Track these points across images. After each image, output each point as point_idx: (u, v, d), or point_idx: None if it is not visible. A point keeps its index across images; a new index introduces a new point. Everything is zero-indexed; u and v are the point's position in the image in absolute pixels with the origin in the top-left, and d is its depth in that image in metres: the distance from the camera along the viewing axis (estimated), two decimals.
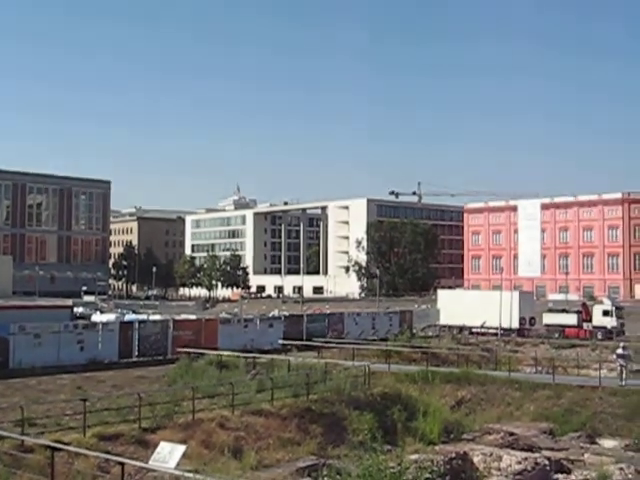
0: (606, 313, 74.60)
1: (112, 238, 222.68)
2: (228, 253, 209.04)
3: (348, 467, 21.01)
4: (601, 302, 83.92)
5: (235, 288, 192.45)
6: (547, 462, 27.70)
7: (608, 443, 34.91)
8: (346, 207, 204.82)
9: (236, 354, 46.43)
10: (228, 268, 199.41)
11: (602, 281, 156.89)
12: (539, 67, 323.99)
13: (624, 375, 43.14)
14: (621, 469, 26.47)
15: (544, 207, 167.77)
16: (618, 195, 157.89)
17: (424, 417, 33.89)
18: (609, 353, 53.17)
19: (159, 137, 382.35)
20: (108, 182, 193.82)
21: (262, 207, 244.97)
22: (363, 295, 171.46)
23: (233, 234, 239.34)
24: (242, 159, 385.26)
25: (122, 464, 17.81)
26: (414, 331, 72.88)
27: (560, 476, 27.20)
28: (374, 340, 65.08)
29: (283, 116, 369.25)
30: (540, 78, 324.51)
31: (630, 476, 26.15)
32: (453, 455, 27.08)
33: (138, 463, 19.73)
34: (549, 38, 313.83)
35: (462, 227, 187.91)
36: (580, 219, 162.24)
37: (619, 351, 44.81)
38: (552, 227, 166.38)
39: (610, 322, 73.44)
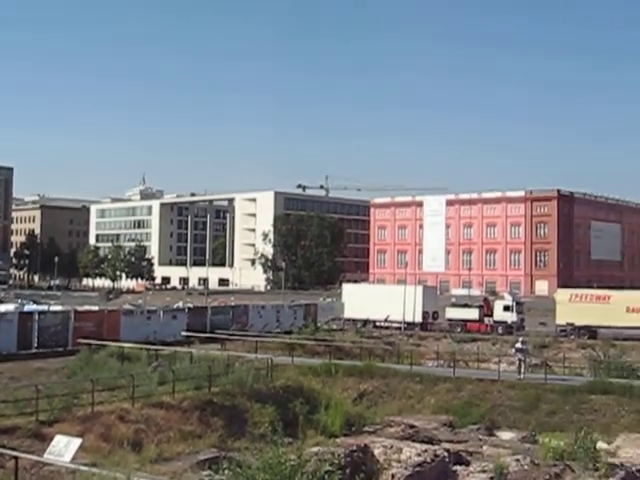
0: (507, 308, 75.97)
1: (14, 226, 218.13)
2: (133, 244, 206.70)
3: (248, 460, 20.96)
4: (502, 297, 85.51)
5: (140, 279, 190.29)
6: (446, 454, 28.02)
7: (506, 435, 35.56)
8: (253, 199, 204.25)
9: (138, 346, 45.94)
10: (133, 259, 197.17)
11: (504, 277, 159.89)
12: (440, 62, 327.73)
13: (522, 369, 44.00)
14: (517, 460, 26.94)
15: (449, 203, 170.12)
16: (521, 193, 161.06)
17: (326, 410, 33.96)
18: (509, 347, 54.16)
19: (64, 126, 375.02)
20: (10, 169, 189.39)
21: (169, 198, 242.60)
22: (269, 288, 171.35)
23: (139, 224, 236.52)
24: (149, 150, 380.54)
25: (16, 458, 17.44)
26: (318, 324, 73.02)
27: (459, 468, 27.55)
28: (278, 333, 65.13)
29: (187, 112, 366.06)
30: (442, 73, 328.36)
31: (526, 467, 26.61)
32: (354, 447, 27.18)
33: (32, 457, 19.33)
34: (445, 34, 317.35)
35: (368, 221, 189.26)
36: (484, 216, 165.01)
37: (518, 345, 45.66)
38: (456, 223, 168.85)
39: (510, 317, 74.82)
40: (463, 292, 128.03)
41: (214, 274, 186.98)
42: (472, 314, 77.50)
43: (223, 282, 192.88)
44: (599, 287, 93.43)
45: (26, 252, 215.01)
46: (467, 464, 28.06)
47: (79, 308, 69.96)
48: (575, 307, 71.03)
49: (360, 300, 78.82)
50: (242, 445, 27.43)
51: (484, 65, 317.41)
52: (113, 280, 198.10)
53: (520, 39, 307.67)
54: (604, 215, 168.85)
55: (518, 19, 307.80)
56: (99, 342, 47.45)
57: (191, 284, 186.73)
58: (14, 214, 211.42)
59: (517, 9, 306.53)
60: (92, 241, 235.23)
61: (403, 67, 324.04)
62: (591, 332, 69.17)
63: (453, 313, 78.97)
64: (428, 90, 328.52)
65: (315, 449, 24.65)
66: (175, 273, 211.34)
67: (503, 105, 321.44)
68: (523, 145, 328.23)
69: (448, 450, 28.58)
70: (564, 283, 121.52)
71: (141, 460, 23.94)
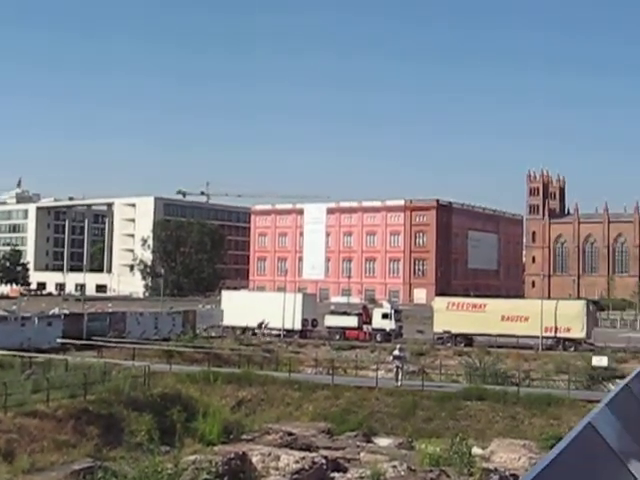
0: (385, 316, 76.65)
1: None
2: (8, 248, 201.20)
3: (124, 469, 20.59)
4: (381, 305, 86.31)
5: (14, 284, 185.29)
6: (324, 461, 28.14)
7: (383, 441, 35.90)
8: (133, 205, 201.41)
9: (12, 353, 44.63)
10: (7, 264, 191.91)
11: (383, 285, 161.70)
12: (316, 71, 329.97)
13: (400, 376, 44.46)
14: (394, 466, 27.22)
15: (330, 211, 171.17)
16: (401, 202, 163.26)
17: (204, 418, 33.69)
18: (387, 355, 54.69)
19: None
20: None
21: (46, 202, 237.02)
22: (147, 294, 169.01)
23: (14, 228, 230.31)
24: (26, 153, 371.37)
25: None
26: (197, 331, 72.45)
27: (337, 474, 27.67)
28: (156, 340, 64.26)
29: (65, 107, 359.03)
30: (321, 83, 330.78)
31: (403, 473, 26.91)
32: (232, 455, 27.05)
33: None
34: (312, 43, 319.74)
35: (249, 228, 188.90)
36: (364, 224, 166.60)
37: (396, 353, 46.15)
38: (337, 231, 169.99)
39: (389, 325, 75.50)
40: (342, 300, 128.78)
41: (92, 280, 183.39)
42: (351, 322, 77.96)
43: (101, 288, 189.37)
44: (476, 296, 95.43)
45: None
46: (345, 471, 28.21)
47: None
48: (452, 315, 72.19)
49: (239, 307, 78.38)
50: (118, 454, 26.93)
51: (359, 71, 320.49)
52: None
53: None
54: (481, 225, 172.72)
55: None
56: None
57: (68, 290, 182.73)
58: None
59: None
60: None
61: (280, 77, 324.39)
62: (467, 340, 70.43)
63: (332, 321, 79.25)
64: (309, 99, 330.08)
65: (193, 457, 24.42)
66: (51, 279, 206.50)
67: (381, 113, 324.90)
68: (404, 154, 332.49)
69: (326, 457, 28.70)
70: (442, 291, 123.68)
71: (13, 470, 23.29)
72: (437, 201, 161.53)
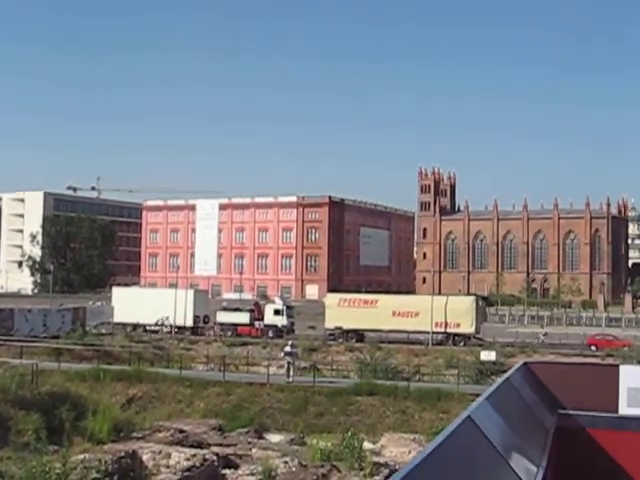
0: (277, 312, 76.76)
1: None
2: None
3: (11, 470, 20.12)
4: (273, 301, 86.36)
5: None
6: (215, 458, 28.04)
7: (275, 437, 35.96)
8: (21, 200, 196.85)
9: None
10: None
11: (275, 281, 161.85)
12: (200, 71, 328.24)
13: (291, 372, 44.66)
14: (286, 462, 27.29)
15: (222, 207, 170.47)
16: (293, 199, 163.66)
17: (94, 416, 33.15)
18: (279, 351, 54.84)
19: None
20: None
21: None
22: (36, 291, 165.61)
23: None
24: None
25: None
26: (87, 329, 71.25)
27: (228, 471, 27.62)
28: (45, 337, 62.99)
29: None
30: (206, 82, 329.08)
31: (294, 469, 26.99)
32: (122, 454, 26.71)
33: None
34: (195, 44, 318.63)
35: (141, 224, 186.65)
36: (256, 220, 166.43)
37: (287, 349, 46.34)
38: (229, 227, 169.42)
39: (281, 321, 75.64)
40: (235, 296, 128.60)
41: None
42: (243, 318, 77.80)
43: None
44: (367, 291, 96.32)
45: None
46: (236, 467, 28.17)
47: None
48: (344, 311, 72.69)
49: (130, 304, 77.40)
50: (5, 455, 26.28)
51: (245, 69, 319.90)
52: None
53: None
54: (373, 222, 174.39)
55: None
56: None
57: None
58: None
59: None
60: None
61: (167, 77, 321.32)
62: (359, 335, 71.04)
63: (224, 317, 78.92)
64: (194, 97, 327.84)
65: (81, 456, 24.01)
66: None
67: (268, 110, 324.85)
68: (296, 150, 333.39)
69: (217, 454, 28.61)
70: (334, 287, 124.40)
71: None
72: (329, 198, 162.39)
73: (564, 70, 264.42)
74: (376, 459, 29.26)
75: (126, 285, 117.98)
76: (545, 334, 77.08)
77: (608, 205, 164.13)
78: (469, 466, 2.80)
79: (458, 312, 70.68)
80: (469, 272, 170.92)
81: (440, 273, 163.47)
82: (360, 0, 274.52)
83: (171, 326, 74.35)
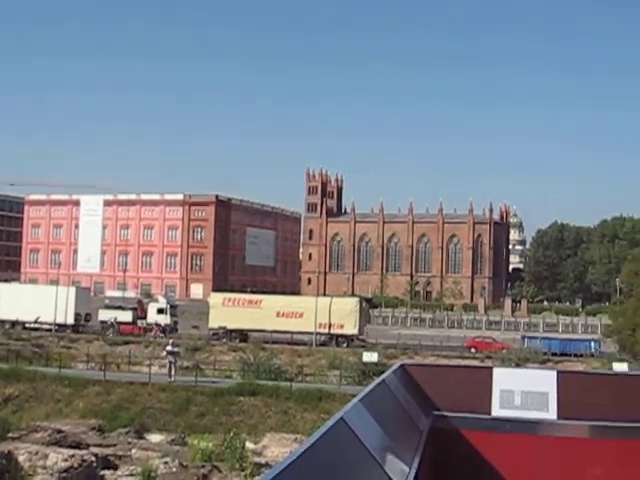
0: (161, 311, 76.17)
1: None
2: None
3: None
4: (157, 300, 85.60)
5: None
6: (94, 458, 27.62)
7: (156, 438, 35.64)
8: None
9: None
10: None
11: (160, 279, 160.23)
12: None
13: (173, 371, 44.30)
14: (166, 463, 27.07)
15: (107, 203, 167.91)
16: (180, 197, 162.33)
17: None
18: (161, 350, 54.37)
19: None
20: None
21: None
22: None
23: None
24: None
25: None
26: None
27: (107, 472, 27.25)
28: None
29: None
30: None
31: (174, 469, 26.79)
32: None
33: None
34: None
35: (22, 219, 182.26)
36: (142, 217, 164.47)
37: (169, 348, 45.98)
38: (114, 224, 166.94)
39: (164, 320, 75.05)
40: (118, 294, 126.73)
41: None
42: (126, 316, 76.91)
43: None
44: (252, 292, 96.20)
45: None
46: (115, 468, 27.82)
47: None
48: (228, 311, 72.45)
49: (9, 301, 75.50)
50: None
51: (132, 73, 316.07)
52: None
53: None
54: (260, 222, 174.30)
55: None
56: None
57: None
58: None
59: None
60: None
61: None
62: (243, 335, 70.94)
63: (106, 315, 77.81)
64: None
65: None
66: None
67: (156, 104, 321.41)
68: (183, 151, 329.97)
69: (96, 454, 28.19)
70: (219, 287, 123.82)
71: None
72: (216, 197, 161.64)
73: (449, 70, 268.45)
74: (257, 459, 29.28)
75: (5, 281, 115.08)
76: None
77: (491, 211, 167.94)
78: (340, 468, 2.79)
79: (342, 313, 71.27)
80: (354, 274, 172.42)
81: (325, 274, 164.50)
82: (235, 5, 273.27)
83: (50, 324, 72.80)
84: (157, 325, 74.63)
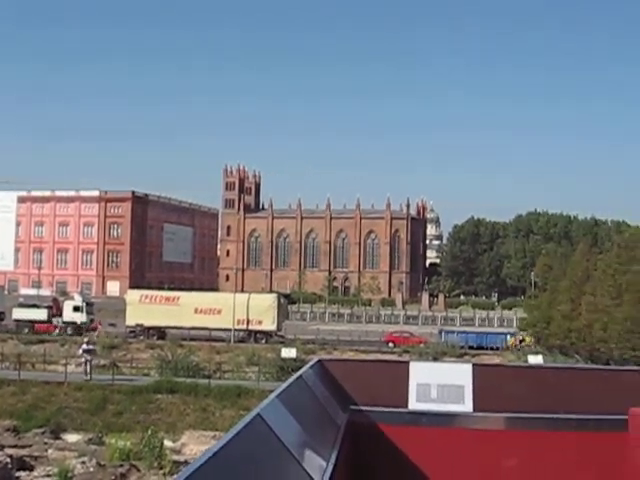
0: (77, 309, 75.19)
1: None
2: None
3: None
4: (72, 298, 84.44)
5: None
6: (9, 460, 27.15)
7: (72, 437, 35.23)
8: None
9: None
10: None
11: (76, 277, 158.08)
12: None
13: (89, 370, 43.81)
14: (83, 463, 26.79)
15: (21, 200, 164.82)
16: (95, 193, 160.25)
17: None
18: (77, 348, 53.67)
19: None
20: None
21: None
22: None
23: None
24: None
25: None
26: None
27: (22, 473, 26.82)
28: None
29: None
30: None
31: (92, 469, 26.52)
32: None
33: None
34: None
35: None
36: (57, 214, 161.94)
37: (85, 346, 45.45)
38: (28, 220, 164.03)
39: (80, 317, 74.11)
40: (32, 292, 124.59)
41: None
42: (40, 315, 75.69)
43: None
44: (170, 288, 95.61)
45: None
46: (31, 469, 27.42)
47: None
48: (145, 308, 71.92)
49: None
50: None
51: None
52: None
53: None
54: (177, 218, 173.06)
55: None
56: None
57: None
58: None
59: None
60: None
61: None
62: (160, 333, 70.46)
63: (20, 313, 76.42)
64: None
65: None
66: None
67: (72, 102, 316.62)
68: (103, 144, 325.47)
69: (11, 456, 27.74)
70: (136, 284, 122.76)
71: None
72: (133, 193, 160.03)
73: (359, 67, 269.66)
74: (176, 457, 29.15)
75: None
76: None
77: (408, 206, 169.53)
78: (256, 464, 2.80)
79: (260, 310, 71.33)
80: (272, 270, 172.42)
81: (243, 271, 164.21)
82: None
83: None
84: (65, 323, 73.63)
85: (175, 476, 2.09)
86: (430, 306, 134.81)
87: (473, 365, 5.33)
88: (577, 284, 76.09)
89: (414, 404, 4.90)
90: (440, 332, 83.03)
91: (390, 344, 74.52)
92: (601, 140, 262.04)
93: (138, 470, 26.57)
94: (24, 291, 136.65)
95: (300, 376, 4.39)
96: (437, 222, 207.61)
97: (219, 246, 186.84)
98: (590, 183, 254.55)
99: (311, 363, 5.04)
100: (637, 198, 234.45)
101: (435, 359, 52.45)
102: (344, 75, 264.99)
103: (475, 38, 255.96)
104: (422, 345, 72.06)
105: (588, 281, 74.96)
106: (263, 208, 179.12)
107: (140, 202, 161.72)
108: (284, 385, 3.91)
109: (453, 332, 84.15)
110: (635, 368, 5.77)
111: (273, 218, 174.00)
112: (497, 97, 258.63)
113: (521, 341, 78.81)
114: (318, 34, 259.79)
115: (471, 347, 74.12)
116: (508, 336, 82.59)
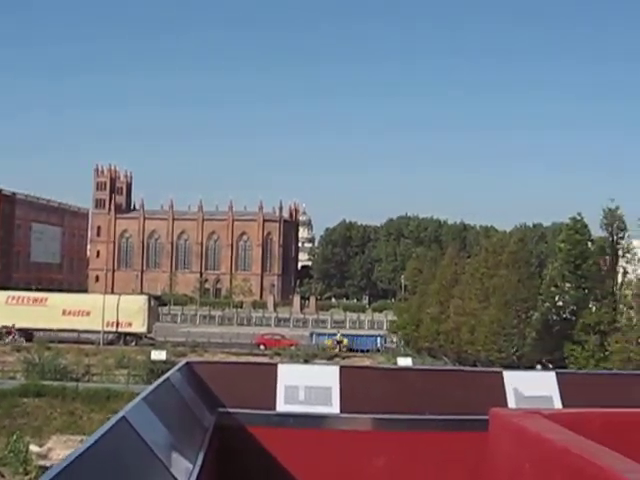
0: None
1: None
2: None
3: None
4: None
5: None
6: None
7: None
8: None
9: None
10: None
11: None
12: None
13: None
14: None
15: None
16: None
17: None
18: None
19: None
20: None
21: None
22: None
23: None
24: None
25: None
26: None
27: None
28: None
29: None
30: None
31: None
32: None
33: None
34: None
35: None
36: None
37: None
38: None
39: None
40: None
41: None
42: None
43: None
44: (38, 289, 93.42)
45: None
46: None
47: None
48: (12, 310, 70.22)
49: None
50: None
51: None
52: None
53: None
54: (46, 217, 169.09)
55: None
56: None
57: None
58: None
59: None
60: None
61: None
62: (28, 335, 68.88)
63: None
64: None
65: None
66: None
67: None
68: None
69: None
70: (3, 285, 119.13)
71: None
72: (0, 191, 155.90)
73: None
74: (42, 462, 28.61)
75: None
76: None
77: (280, 209, 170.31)
78: (121, 468, 2.82)
79: (130, 311, 70.55)
80: (143, 271, 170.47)
81: (114, 272, 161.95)
82: None
83: None
84: None
85: None
86: (302, 309, 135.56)
87: (340, 367, 5.48)
88: (446, 287, 77.88)
89: (282, 406, 5.01)
90: (311, 335, 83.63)
91: (261, 347, 74.75)
92: (473, 146, 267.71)
93: (2, 476, 26.01)
94: None
95: (167, 378, 4.42)
96: (309, 225, 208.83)
97: (89, 247, 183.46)
98: (460, 188, 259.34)
99: (179, 365, 5.10)
100: (505, 204, 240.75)
101: (306, 361, 52.80)
102: (211, 76, 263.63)
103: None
104: (293, 348, 72.49)
105: (457, 284, 76.80)
106: (134, 209, 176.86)
107: (7, 201, 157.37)
108: (151, 387, 3.95)
109: (324, 335, 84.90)
110: (496, 369, 6.00)
111: (144, 219, 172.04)
112: (354, 96, 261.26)
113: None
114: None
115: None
116: (378, 338, 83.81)
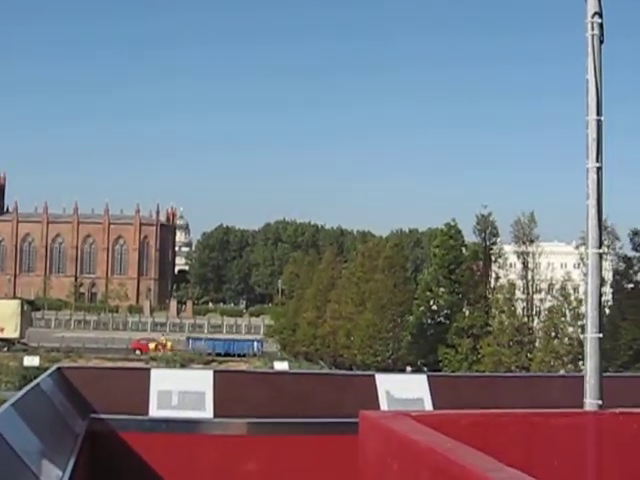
0: None
1: None
2: None
3: None
4: None
5: None
6: None
7: None
8: None
9: None
10: None
11: None
12: None
13: None
14: None
15: None
16: None
17: None
18: None
19: None
20: None
21: None
22: None
23: None
24: None
25: None
26: None
27: None
28: None
29: None
30: None
31: None
32: None
33: None
34: None
35: None
36: None
37: None
38: None
39: None
40: None
41: None
42: None
43: None
44: None
45: None
46: None
47: None
48: None
49: None
50: None
51: None
52: None
53: None
54: None
55: None
56: None
57: None
58: None
59: None
60: None
61: None
62: None
63: None
64: None
65: None
66: None
67: None
68: None
69: None
70: None
71: None
72: None
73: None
74: None
75: None
76: None
77: (157, 213, 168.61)
78: None
79: (2, 316, 68.89)
80: (16, 275, 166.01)
81: None
82: None
83: None
84: None
85: None
86: (178, 313, 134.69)
87: (214, 371, 5.50)
88: (323, 292, 78.45)
89: (155, 411, 4.98)
90: (187, 339, 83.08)
91: (137, 351, 73.88)
92: (348, 152, 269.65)
93: None
94: None
95: (37, 384, 4.35)
96: (187, 229, 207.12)
97: None
98: (337, 193, 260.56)
99: (50, 371, 5.01)
100: (381, 210, 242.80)
101: (183, 366, 52.42)
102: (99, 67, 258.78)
103: None
104: (170, 352, 71.89)
105: (333, 289, 77.44)
106: (8, 211, 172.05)
107: None
108: (20, 394, 3.88)
109: (200, 339, 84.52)
110: (369, 373, 6.11)
111: (18, 222, 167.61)
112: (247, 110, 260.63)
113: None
114: None
115: (219, 354, 74.68)
116: (255, 343, 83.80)
